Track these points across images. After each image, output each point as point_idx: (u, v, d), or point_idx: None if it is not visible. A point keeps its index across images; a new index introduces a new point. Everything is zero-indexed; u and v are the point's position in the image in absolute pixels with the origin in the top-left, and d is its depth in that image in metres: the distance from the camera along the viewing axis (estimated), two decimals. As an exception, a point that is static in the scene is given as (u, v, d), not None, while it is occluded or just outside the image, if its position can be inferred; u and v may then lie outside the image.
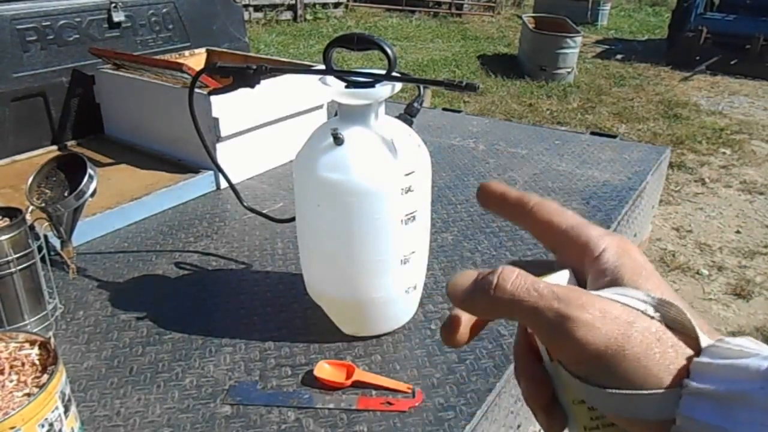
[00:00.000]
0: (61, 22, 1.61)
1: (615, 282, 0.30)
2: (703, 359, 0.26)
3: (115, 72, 1.64)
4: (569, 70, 6.43)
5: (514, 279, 0.28)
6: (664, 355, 0.27)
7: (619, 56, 7.84)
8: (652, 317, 0.28)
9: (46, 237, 0.98)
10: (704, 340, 0.27)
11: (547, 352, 0.31)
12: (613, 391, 0.26)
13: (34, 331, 0.85)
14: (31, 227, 0.91)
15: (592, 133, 1.95)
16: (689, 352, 0.27)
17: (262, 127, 1.52)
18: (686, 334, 0.27)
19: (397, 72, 0.84)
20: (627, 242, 0.32)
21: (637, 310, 0.28)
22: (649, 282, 0.30)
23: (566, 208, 0.34)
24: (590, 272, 0.32)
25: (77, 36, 1.65)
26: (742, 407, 0.24)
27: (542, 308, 0.27)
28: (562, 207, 0.34)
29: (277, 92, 1.50)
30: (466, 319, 0.33)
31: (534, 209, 0.34)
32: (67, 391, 0.65)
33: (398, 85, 0.85)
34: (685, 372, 0.26)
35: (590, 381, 0.28)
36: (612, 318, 0.27)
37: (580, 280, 0.32)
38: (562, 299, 0.27)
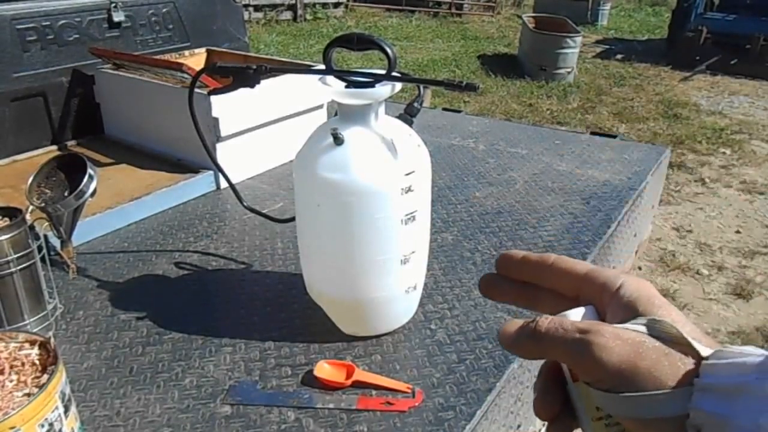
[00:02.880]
0: (61, 22, 1.61)
1: (632, 312, 0.35)
2: (710, 361, 0.31)
3: (115, 72, 1.64)
4: (569, 70, 6.43)
5: (547, 322, 0.35)
6: (672, 367, 0.31)
7: (619, 56, 7.83)
8: (656, 337, 0.33)
9: (46, 237, 0.98)
10: (701, 348, 0.32)
11: (570, 375, 0.36)
12: (633, 394, 0.31)
13: (34, 331, 0.85)
14: (31, 227, 0.91)
15: (592, 133, 1.95)
16: (694, 362, 0.32)
17: (262, 127, 1.52)
18: (682, 344, 0.32)
19: (397, 72, 0.84)
20: (641, 279, 0.37)
21: (640, 332, 0.33)
22: (661, 309, 0.35)
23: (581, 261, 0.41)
24: (610, 307, 0.37)
25: (77, 36, 1.65)
26: (741, 397, 0.28)
27: (568, 339, 0.34)
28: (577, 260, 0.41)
29: (277, 92, 1.50)
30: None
31: (555, 263, 0.40)
32: (67, 391, 0.65)
33: (398, 85, 0.85)
34: (691, 377, 0.31)
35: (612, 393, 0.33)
36: (624, 340, 0.32)
37: (600, 315, 0.37)
38: (582, 329, 0.34)
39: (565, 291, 0.40)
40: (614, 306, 0.36)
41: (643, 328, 0.33)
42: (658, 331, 0.33)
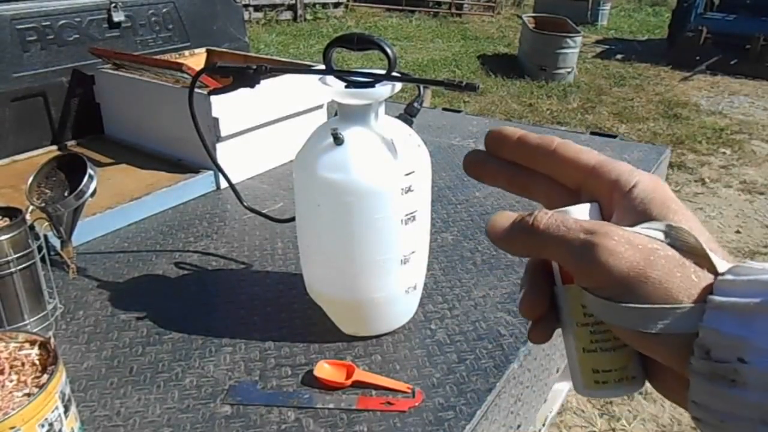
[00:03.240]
0: (61, 22, 1.61)
1: (644, 215, 0.31)
2: (726, 277, 0.28)
3: (115, 72, 1.64)
4: (569, 70, 6.43)
5: (547, 218, 0.31)
6: (686, 280, 0.28)
7: (619, 56, 7.84)
8: (671, 245, 0.29)
9: (46, 237, 0.98)
10: (717, 262, 0.29)
11: (560, 276, 0.33)
12: (639, 305, 0.28)
13: (34, 331, 0.85)
14: (31, 227, 0.91)
15: (592, 133, 1.95)
16: (710, 277, 0.28)
17: (262, 127, 1.52)
18: (698, 255, 0.29)
19: (397, 72, 0.84)
20: (657, 178, 0.33)
21: (654, 238, 0.29)
22: (678, 215, 0.31)
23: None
24: (619, 206, 0.33)
25: (77, 36, 1.65)
26: (761, 317, 0.25)
27: (570, 239, 0.30)
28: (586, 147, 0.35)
29: (277, 92, 1.50)
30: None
31: (558, 149, 0.35)
32: (67, 391, 0.65)
33: (398, 85, 0.85)
34: (705, 293, 0.28)
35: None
36: (634, 245, 0.29)
37: (606, 214, 0.34)
38: (588, 230, 0.30)
39: (565, 181, 0.35)
40: (624, 206, 0.32)
41: (660, 234, 0.30)
42: (674, 239, 0.29)
